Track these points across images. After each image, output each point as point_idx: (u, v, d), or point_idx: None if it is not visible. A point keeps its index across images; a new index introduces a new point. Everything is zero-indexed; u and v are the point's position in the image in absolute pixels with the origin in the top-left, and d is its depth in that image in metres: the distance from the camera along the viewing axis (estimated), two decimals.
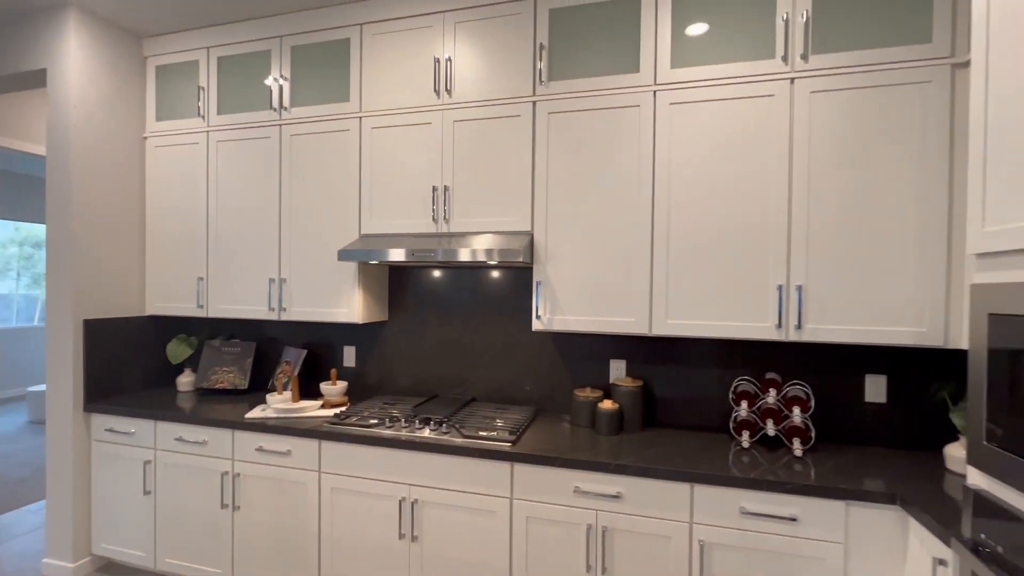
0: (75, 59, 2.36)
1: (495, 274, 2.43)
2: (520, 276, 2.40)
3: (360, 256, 2.09)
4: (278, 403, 2.26)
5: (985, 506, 1.13)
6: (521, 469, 1.81)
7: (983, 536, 1.13)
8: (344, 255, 2.11)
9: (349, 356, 2.65)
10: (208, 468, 2.21)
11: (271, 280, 2.43)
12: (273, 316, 2.43)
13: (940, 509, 1.35)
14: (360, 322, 2.32)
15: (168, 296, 2.63)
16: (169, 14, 2.42)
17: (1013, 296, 1.06)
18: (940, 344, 1.64)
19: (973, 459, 1.18)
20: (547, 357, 2.36)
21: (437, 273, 2.52)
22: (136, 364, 2.67)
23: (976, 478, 1.19)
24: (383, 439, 1.94)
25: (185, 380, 2.68)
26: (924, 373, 1.91)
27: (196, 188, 2.57)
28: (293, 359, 2.59)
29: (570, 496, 1.76)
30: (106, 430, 2.39)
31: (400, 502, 1.93)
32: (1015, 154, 1.09)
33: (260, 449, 2.13)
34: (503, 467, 1.83)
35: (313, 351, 2.70)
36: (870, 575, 1.50)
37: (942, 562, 1.28)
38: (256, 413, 2.22)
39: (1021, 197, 1.07)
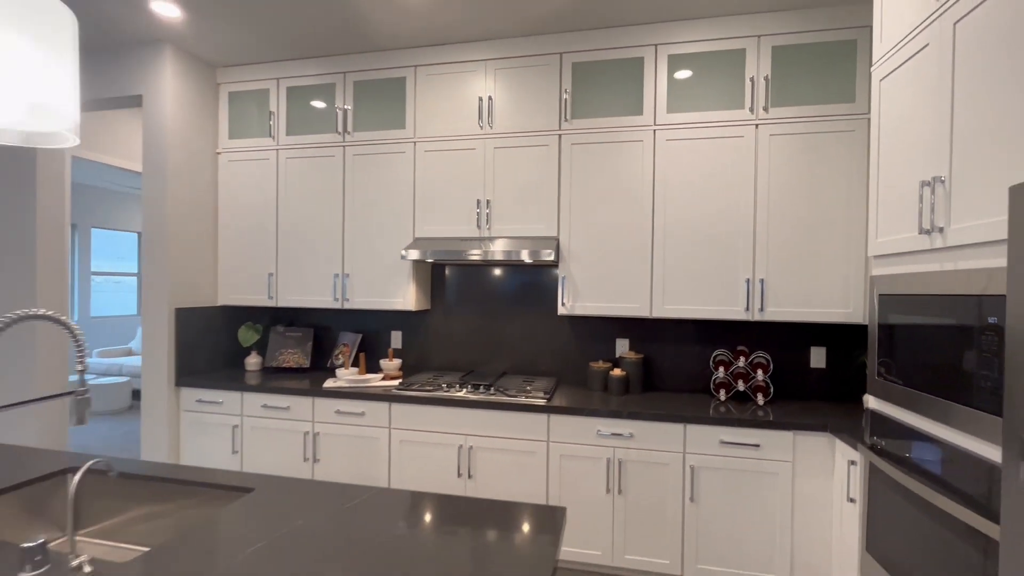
0: (168, 86, 2.79)
1: (521, 271, 2.98)
2: (541, 272, 2.95)
3: (438, 255, 2.61)
4: (349, 376, 2.75)
5: (877, 419, 1.75)
6: (555, 419, 2.37)
7: (875, 439, 1.74)
8: (414, 254, 2.63)
9: (396, 339, 3.15)
10: (291, 429, 2.69)
11: (335, 275, 2.92)
12: (337, 305, 2.92)
13: (853, 431, 1.98)
14: (413, 310, 2.84)
15: (239, 289, 3.08)
16: (244, 51, 2.87)
17: (891, 282, 1.68)
18: (861, 321, 2.28)
19: (870, 390, 1.79)
20: (563, 337, 2.93)
21: (473, 270, 3.05)
22: (210, 347, 3.10)
23: (873, 403, 1.80)
24: (443, 400, 2.47)
25: (253, 361, 3.13)
26: (853, 344, 2.56)
27: (266, 197, 3.02)
28: (350, 342, 3.08)
29: (593, 437, 2.32)
30: (196, 401, 2.83)
31: (458, 448, 2.46)
32: (889, 189, 1.71)
33: (338, 411, 2.62)
34: (541, 418, 2.38)
35: (364, 335, 3.19)
36: (809, 482, 2.12)
37: (853, 462, 1.90)
38: (331, 384, 2.71)
39: (893, 218, 1.69)
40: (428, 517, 1.20)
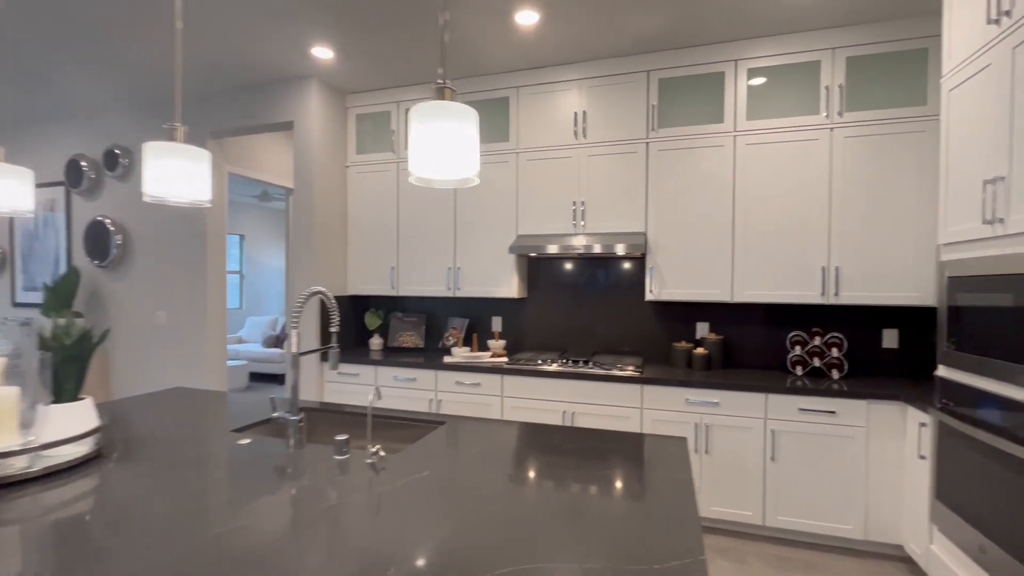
0: (314, 112, 3.38)
1: (608, 262, 3.37)
2: (626, 263, 3.33)
3: (541, 250, 3.05)
4: (463, 353, 3.24)
5: (947, 385, 2.03)
6: (648, 389, 2.75)
7: (946, 402, 2.02)
8: (519, 249, 3.08)
9: (496, 324, 3.63)
10: (417, 397, 3.21)
11: (448, 268, 3.42)
12: (449, 294, 3.42)
13: (924, 399, 2.25)
14: (516, 297, 3.30)
15: (365, 280, 3.65)
16: (370, 79, 3.41)
17: (959, 266, 1.95)
18: (931, 303, 2.52)
19: (941, 360, 2.07)
20: (646, 321, 3.29)
21: (564, 262, 3.47)
22: (341, 329, 3.69)
23: (943, 371, 2.08)
24: (549, 373, 2.91)
25: (376, 342, 3.69)
26: (922, 326, 2.79)
27: (388, 203, 3.57)
28: (459, 325, 3.59)
29: (682, 405, 2.69)
30: (338, 373, 3.42)
31: (562, 414, 2.90)
32: (957, 186, 1.98)
33: (457, 383, 3.12)
34: (635, 388, 2.77)
35: (470, 320, 3.69)
36: (882, 443, 2.40)
37: (923, 424, 2.17)
38: (449, 359, 3.21)
39: (960, 211, 1.96)
40: (576, 442, 1.63)
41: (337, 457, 1.44)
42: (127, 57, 3.12)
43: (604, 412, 2.82)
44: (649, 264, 3.00)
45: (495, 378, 3.04)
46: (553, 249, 3.01)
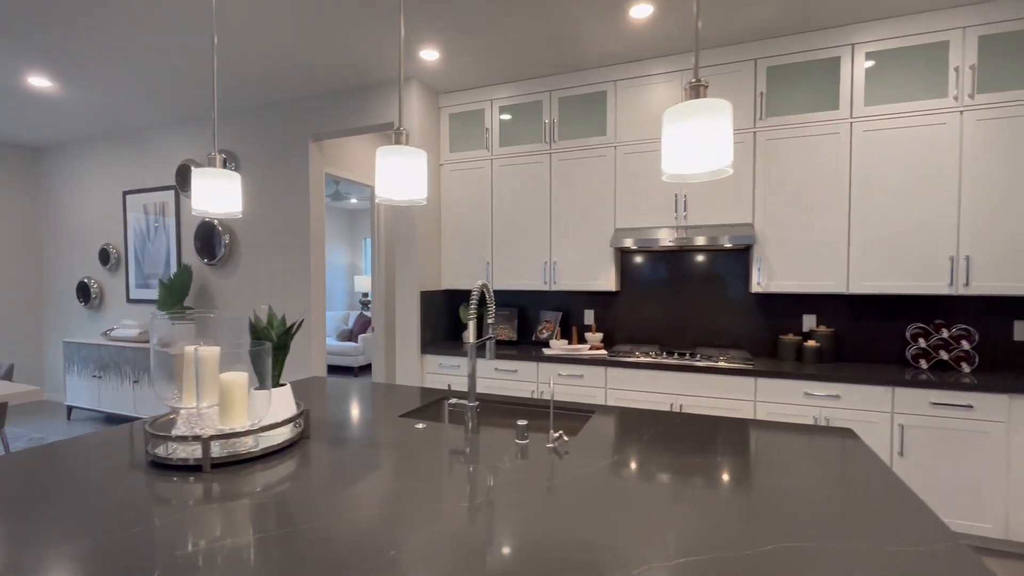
0: (415, 113, 3.50)
1: (707, 254, 3.34)
2: (726, 255, 3.29)
3: (643, 243, 3.06)
4: (562, 346, 3.30)
5: None
6: (762, 382, 2.72)
7: None
8: (621, 242, 3.10)
9: (588, 317, 3.66)
10: (518, 388, 3.29)
11: (544, 262, 3.47)
12: (545, 287, 3.48)
13: None
14: (614, 290, 3.32)
15: (459, 275, 3.75)
16: (463, 79, 3.49)
17: None
18: None
19: None
20: (746, 314, 3.25)
21: (660, 255, 3.46)
22: (436, 323, 3.82)
23: None
24: (656, 364, 2.92)
25: (469, 335, 3.80)
26: None
27: (481, 199, 3.65)
28: (552, 318, 3.64)
29: (800, 398, 2.65)
30: (438, 365, 3.54)
31: (669, 406, 2.91)
32: None
33: (560, 375, 3.18)
34: (748, 381, 2.75)
35: (562, 313, 3.74)
36: None
37: None
38: (549, 352, 3.27)
39: None
40: (730, 433, 1.64)
41: (519, 441, 1.52)
42: (238, 64, 3.31)
43: (713, 404, 2.82)
44: (756, 255, 2.96)
45: (598, 370, 3.08)
46: (663, 241, 3.01)
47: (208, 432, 1.35)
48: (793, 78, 2.87)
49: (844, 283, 2.79)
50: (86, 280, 4.99)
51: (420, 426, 1.68)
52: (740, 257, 3.27)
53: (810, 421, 2.63)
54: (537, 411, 1.99)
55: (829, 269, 2.82)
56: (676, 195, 3.12)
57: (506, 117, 3.57)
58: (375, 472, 1.29)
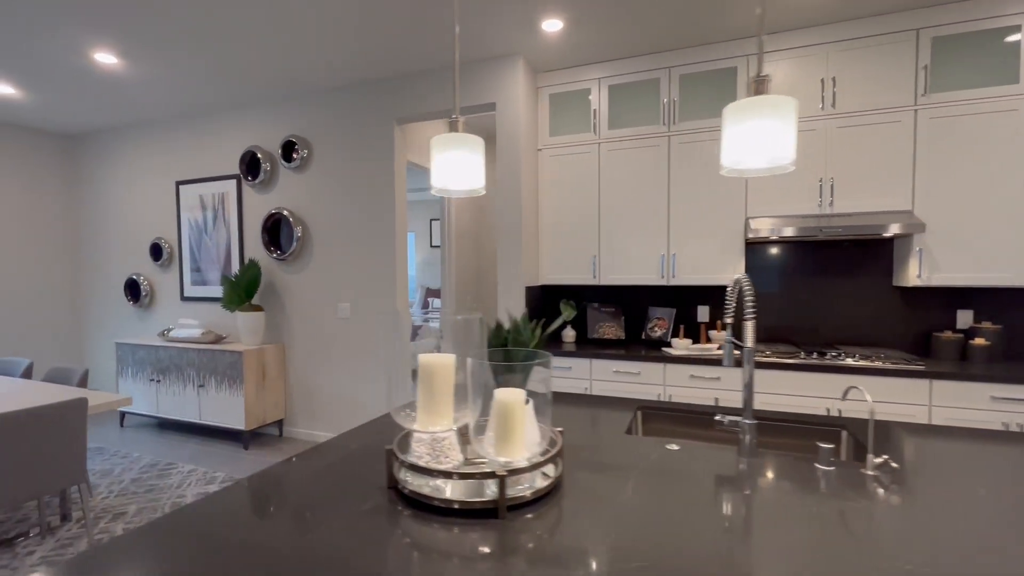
0: (520, 93, 3.20)
1: (845, 246, 3.08)
2: (868, 246, 3.03)
3: (786, 232, 2.79)
4: (686, 345, 3.03)
5: None
6: (938, 384, 2.47)
7: None
8: (757, 232, 2.83)
9: (702, 313, 3.40)
10: (640, 392, 3.03)
11: (662, 255, 3.20)
12: (663, 282, 3.21)
13: None
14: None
15: (561, 269, 3.47)
16: (567, 56, 3.20)
17: None
18: None
19: None
20: (889, 310, 3.00)
21: (790, 246, 3.20)
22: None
23: None
24: (806, 366, 2.66)
25: (569, 333, 3.53)
26: None
27: (587, 187, 3.37)
28: (666, 316, 3.37)
29: (986, 402, 2.40)
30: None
31: (826, 411, 2.65)
32: None
33: (692, 376, 2.91)
34: (921, 384, 2.49)
35: (676, 310, 3.47)
36: None
37: None
38: (672, 352, 3.00)
39: None
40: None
41: (821, 467, 1.25)
42: (314, 42, 3.01)
43: (880, 409, 2.56)
44: (917, 246, 2.70)
45: (735, 371, 2.81)
46: (802, 231, 2.74)
47: (483, 465, 1.07)
48: (963, 50, 2.60)
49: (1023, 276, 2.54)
50: (135, 277, 4.67)
51: (673, 447, 1.40)
52: (882, 248, 3.01)
53: (998, 428, 2.38)
54: (804, 428, 1.71)
55: (1003, 260, 2.56)
56: (821, 180, 2.85)
57: (617, 97, 3.28)
58: (690, 510, 1.01)
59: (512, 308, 3.30)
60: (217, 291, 4.35)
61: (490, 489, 1.09)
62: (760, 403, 2.78)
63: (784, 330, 3.22)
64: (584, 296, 3.72)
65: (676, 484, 1.16)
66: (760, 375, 2.76)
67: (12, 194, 4.62)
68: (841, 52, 2.80)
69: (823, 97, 2.83)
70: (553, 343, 3.49)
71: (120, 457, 3.63)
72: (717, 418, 1.43)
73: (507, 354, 1.27)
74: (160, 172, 4.58)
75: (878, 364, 2.58)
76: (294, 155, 3.88)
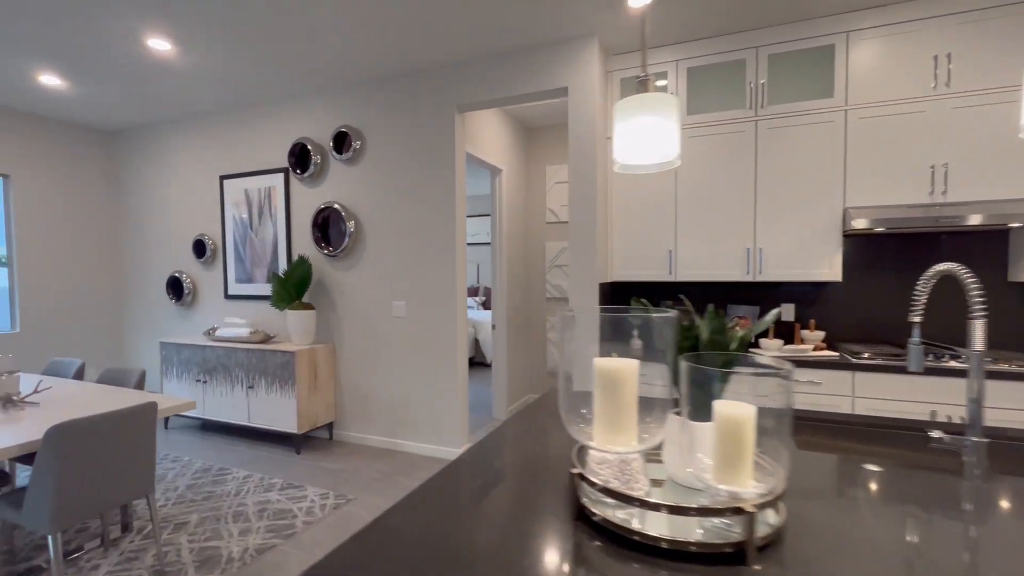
0: (595, 77, 3.00)
1: (956, 238, 2.83)
2: (981, 238, 2.78)
3: (894, 224, 2.56)
4: (777, 346, 2.81)
5: None
6: None
7: None
8: (861, 222, 2.60)
9: (787, 312, 3.17)
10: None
11: (747, 249, 2.98)
12: (748, 278, 2.98)
13: None
14: (839, 280, 2.82)
15: (633, 265, 3.26)
16: (637, 38, 2.99)
17: None
18: None
19: None
20: (1003, 308, 2.75)
21: (891, 239, 2.96)
22: None
23: None
24: (931, 370, 2.43)
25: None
26: None
27: (662, 178, 3.16)
28: (748, 315, 3.15)
29: None
30: None
31: (947, 418, 2.41)
32: None
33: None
34: None
35: (760, 308, 3.25)
36: None
37: None
38: (762, 354, 2.78)
39: None
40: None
41: None
42: (367, 24, 2.83)
43: (1012, 418, 2.32)
44: None
45: (839, 375, 2.59)
46: (910, 222, 2.51)
47: (743, 499, 0.87)
48: None
49: None
50: (178, 275, 4.55)
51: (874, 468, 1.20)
52: (995, 239, 2.76)
53: None
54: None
55: None
56: (933, 165, 2.61)
57: (696, 80, 3.07)
58: (952, 546, 0.80)
59: (584, 307, 3.10)
60: (262, 289, 4.21)
61: (709, 525, 0.90)
62: (865, 408, 2.55)
63: (885, 329, 2.98)
64: (653, 294, 3.51)
65: (913, 513, 0.95)
66: (868, 379, 2.53)
67: (56, 191, 4.53)
68: (960, 25, 2.56)
69: (936, 75, 2.59)
70: (619, 345, 3.28)
71: (171, 461, 3.49)
72: (935, 435, 1.21)
73: (703, 358, 1.07)
74: (203, 167, 4.45)
75: (1015, 368, 2.34)
76: (346, 147, 3.72)
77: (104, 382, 2.92)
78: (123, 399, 2.43)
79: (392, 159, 3.63)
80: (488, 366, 6.85)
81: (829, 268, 2.82)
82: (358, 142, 3.69)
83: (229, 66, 3.40)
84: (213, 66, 3.40)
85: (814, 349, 2.83)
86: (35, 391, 2.39)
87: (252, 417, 3.80)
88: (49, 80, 3.62)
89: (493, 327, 4.45)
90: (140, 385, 2.81)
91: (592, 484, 0.95)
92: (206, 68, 3.43)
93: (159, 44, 3.07)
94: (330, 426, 3.94)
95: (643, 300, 3.10)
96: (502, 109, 4.32)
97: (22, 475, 3.24)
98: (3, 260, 4.32)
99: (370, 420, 3.83)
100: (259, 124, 4.15)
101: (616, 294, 3.49)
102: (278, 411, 3.67)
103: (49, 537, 1.83)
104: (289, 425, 3.63)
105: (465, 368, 3.57)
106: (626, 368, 1.05)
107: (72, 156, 4.65)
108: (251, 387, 3.78)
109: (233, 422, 3.87)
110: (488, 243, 8.81)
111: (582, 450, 1.12)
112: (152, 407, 2.10)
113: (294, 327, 3.73)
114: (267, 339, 3.90)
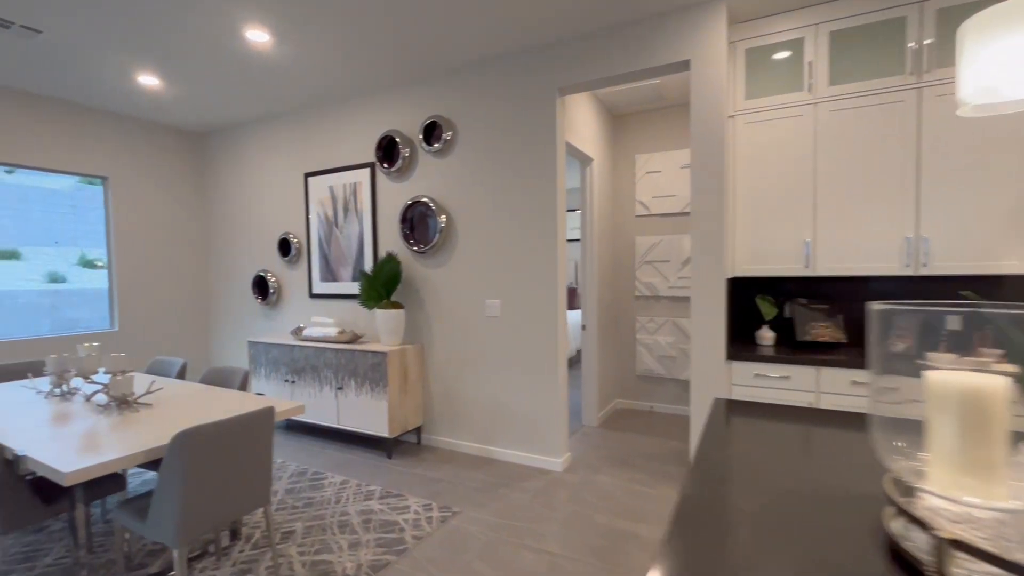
0: (720, 48, 2.68)
1: None
2: None
3: None
4: (949, 360, 2.38)
5: None
6: None
7: None
8: None
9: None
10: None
11: (907, 238, 2.56)
12: (909, 271, 2.57)
13: None
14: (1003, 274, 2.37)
15: (761, 259, 2.90)
16: (768, 1, 2.64)
17: None
18: None
19: None
20: None
21: None
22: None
23: None
24: None
25: (767, 335, 2.95)
26: None
27: (797, 157, 2.78)
28: None
29: None
30: (754, 375, 2.71)
31: None
32: None
33: None
34: None
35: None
36: None
37: None
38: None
39: None
40: None
41: None
42: (463, 5, 2.61)
43: None
44: None
45: None
46: None
47: None
48: None
49: None
50: (263, 274, 4.55)
51: None
52: None
53: None
54: None
55: None
56: None
57: (841, 46, 2.68)
58: None
59: (707, 306, 2.77)
60: (346, 288, 4.12)
61: None
62: None
63: None
64: (783, 291, 3.13)
65: None
66: None
67: (149, 193, 4.63)
68: None
69: None
70: (745, 345, 2.93)
71: None
72: None
73: None
74: (288, 165, 4.42)
75: None
76: (436, 137, 3.55)
77: (207, 382, 2.86)
78: (233, 401, 2.32)
79: (485, 149, 3.42)
80: (572, 367, 6.58)
81: (1018, 258, 2.37)
82: (449, 132, 3.51)
83: (321, 58, 3.30)
84: (305, 58, 3.30)
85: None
86: (147, 391, 2.32)
87: (341, 419, 3.69)
88: (147, 80, 3.65)
89: (583, 327, 4.18)
90: (244, 386, 2.73)
91: (981, 555, 0.66)
92: (298, 61, 3.34)
93: (257, 36, 2.99)
94: (418, 430, 3.79)
95: (769, 298, 2.69)
96: (592, 94, 4.04)
97: (132, 478, 3.24)
98: (95, 263, 4.45)
99: (460, 425, 3.64)
100: (344, 119, 4.06)
101: (740, 291, 3.14)
102: (368, 414, 3.54)
103: (175, 551, 1.71)
104: (380, 428, 3.49)
105: (565, 372, 3.31)
106: (994, 388, 0.75)
107: (163, 158, 4.74)
108: (340, 388, 3.67)
109: (322, 424, 3.78)
110: (574, 240, 8.54)
111: (906, 492, 0.83)
112: (269, 412, 1.96)
113: (383, 327, 3.60)
114: (355, 339, 3.79)
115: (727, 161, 2.94)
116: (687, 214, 4.33)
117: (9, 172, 3.96)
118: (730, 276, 3.01)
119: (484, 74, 3.40)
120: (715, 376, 2.77)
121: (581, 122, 3.86)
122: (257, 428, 1.91)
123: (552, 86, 3.16)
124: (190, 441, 1.67)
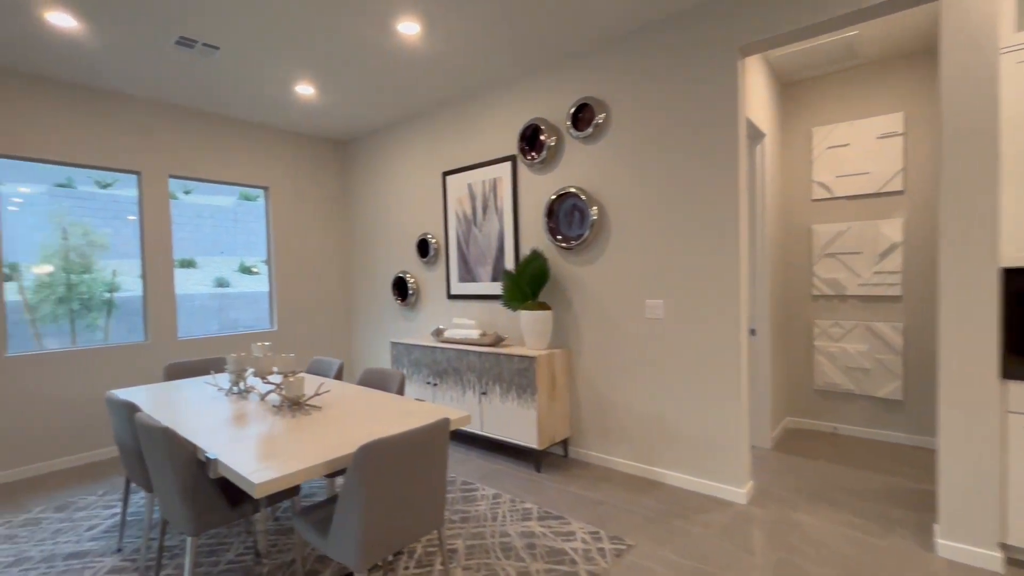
0: None
1: None
2: None
3: None
4: None
5: None
6: None
7: None
8: None
9: None
10: None
11: None
12: None
13: None
14: None
15: None
16: None
17: None
18: None
19: None
20: None
21: None
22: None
23: None
24: None
25: None
26: None
27: None
28: None
29: None
30: None
31: None
32: None
33: None
34: None
35: None
36: None
37: None
38: None
39: None
40: None
41: None
42: None
43: None
44: None
45: None
46: None
47: None
48: None
49: None
50: (402, 275, 4.58)
51: None
52: None
53: None
54: None
55: None
56: None
57: None
58: None
59: (966, 305, 2.10)
60: (485, 288, 3.96)
61: None
62: None
63: None
64: None
65: None
66: None
67: (301, 200, 4.90)
68: None
69: None
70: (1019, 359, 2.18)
71: None
72: None
73: None
74: (426, 165, 4.39)
75: None
76: (586, 122, 3.23)
77: (365, 383, 2.81)
78: (396, 406, 2.19)
79: (644, 131, 3.02)
80: None
81: None
82: (601, 115, 3.17)
83: (465, 41, 3.13)
84: (451, 45, 3.17)
85: None
86: (316, 393, 2.27)
87: (485, 426, 3.51)
88: (303, 90, 3.80)
89: (752, 331, 3.58)
90: (401, 390, 2.62)
91: None
92: (445, 49, 3.22)
93: (408, 28, 2.90)
94: (565, 442, 3.48)
95: None
96: (764, 56, 3.45)
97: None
98: (251, 269, 4.78)
99: (613, 439, 3.26)
100: (483, 113, 3.90)
101: (1012, 285, 2.38)
102: (515, 422, 3.31)
103: None
104: (528, 439, 3.24)
105: (747, 385, 2.79)
106: None
107: (313, 167, 5.00)
108: (484, 393, 3.49)
109: (465, 429, 3.64)
110: None
111: None
112: (444, 424, 1.75)
113: (528, 329, 3.35)
114: (498, 341, 3.59)
115: (1001, 113, 2.23)
116: (887, 194, 3.53)
117: (187, 192, 4.38)
118: (1005, 266, 2.28)
119: (644, 42, 3.00)
120: (981, 398, 2.08)
121: (751, 91, 3.29)
122: (433, 442, 1.71)
123: (731, 46, 2.67)
124: (373, 455, 1.50)
